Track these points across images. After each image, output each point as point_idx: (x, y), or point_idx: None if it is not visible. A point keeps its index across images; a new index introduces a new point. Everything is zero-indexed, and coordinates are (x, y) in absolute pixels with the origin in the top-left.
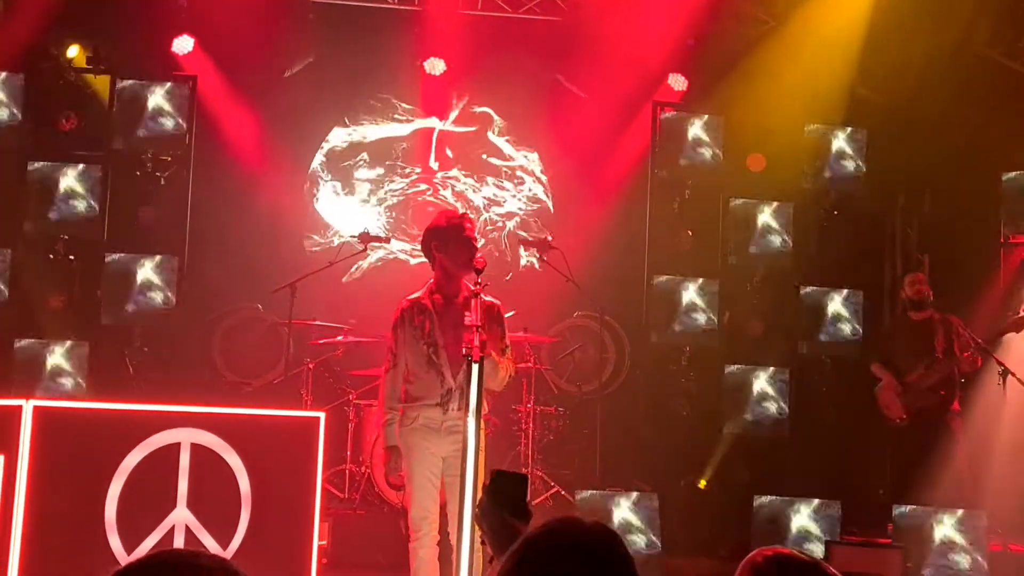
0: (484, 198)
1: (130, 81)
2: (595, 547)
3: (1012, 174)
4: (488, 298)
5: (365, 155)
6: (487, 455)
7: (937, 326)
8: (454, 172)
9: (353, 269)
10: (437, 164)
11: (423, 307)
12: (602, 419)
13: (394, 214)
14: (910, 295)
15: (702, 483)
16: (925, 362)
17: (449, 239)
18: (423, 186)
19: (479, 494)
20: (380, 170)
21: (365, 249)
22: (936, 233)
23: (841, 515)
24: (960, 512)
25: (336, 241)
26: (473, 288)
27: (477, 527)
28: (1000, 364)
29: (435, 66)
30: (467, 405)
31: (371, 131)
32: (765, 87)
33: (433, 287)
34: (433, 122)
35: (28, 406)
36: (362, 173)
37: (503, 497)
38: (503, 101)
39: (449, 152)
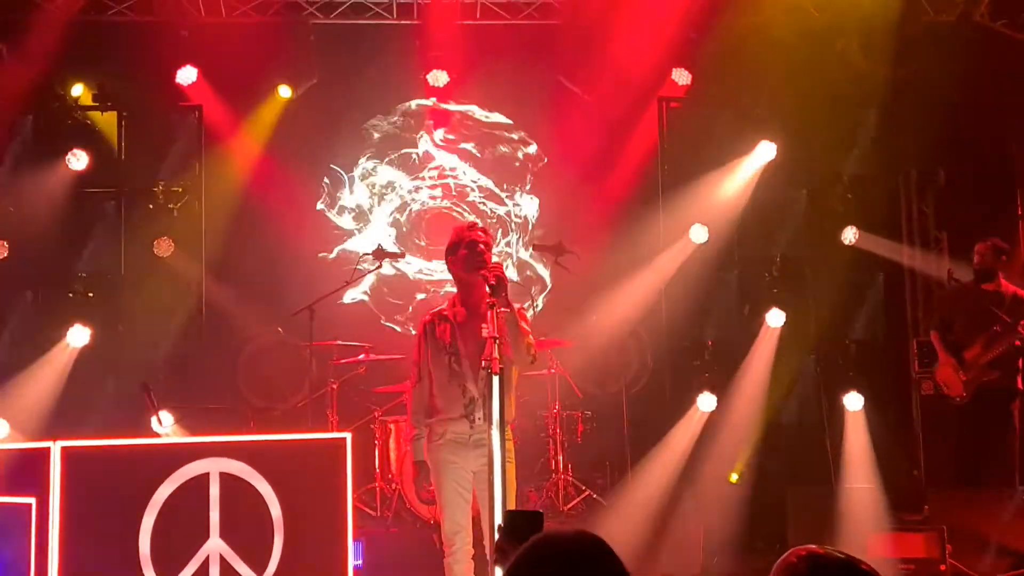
0: (504, 210)
1: (137, 115)
2: (578, 554)
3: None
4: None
5: (375, 171)
6: (515, 466)
7: (1003, 298)
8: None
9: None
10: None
11: (444, 318)
12: (629, 420)
13: (406, 229)
14: (974, 264)
15: (733, 477)
16: (984, 335)
17: (458, 247)
18: (440, 201)
19: (506, 506)
20: (393, 184)
21: (380, 265)
22: (952, 209)
23: (882, 499)
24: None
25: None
26: (488, 300)
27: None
28: None
29: (438, 78)
30: (490, 419)
31: (379, 147)
32: (772, 73)
33: (455, 299)
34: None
35: (56, 447)
36: (374, 188)
37: (520, 537)
38: (507, 107)
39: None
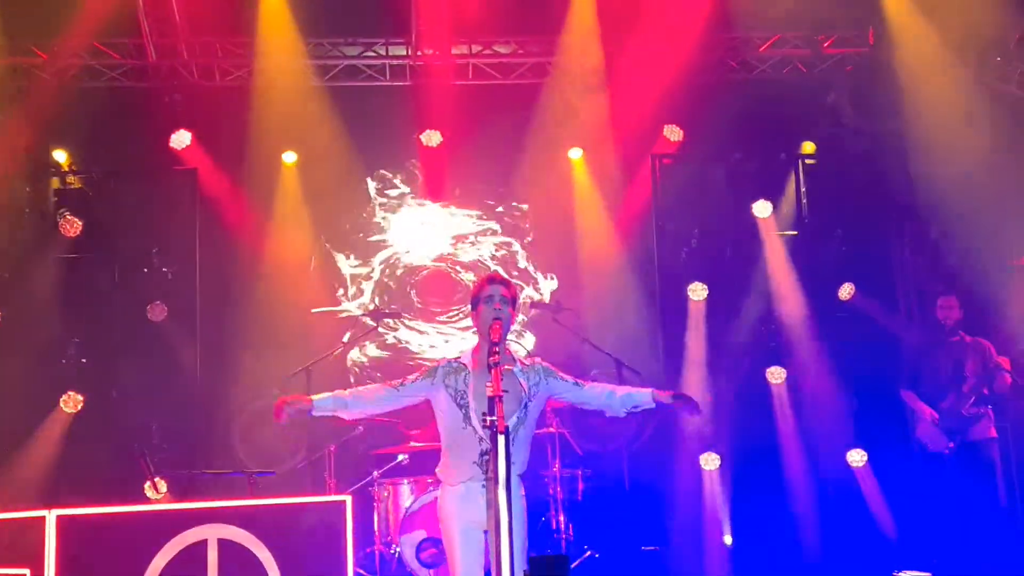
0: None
1: (132, 179)
2: None
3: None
4: (526, 358)
5: (370, 229)
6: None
7: (968, 350)
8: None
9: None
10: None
11: (461, 367)
12: (631, 477)
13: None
14: (940, 318)
15: (727, 538)
16: (956, 387)
17: (477, 301)
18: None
19: (515, 564)
20: (386, 242)
21: (377, 327)
22: (946, 260)
23: None
24: None
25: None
26: (491, 358)
27: None
28: None
29: (431, 138)
30: (497, 479)
31: (375, 209)
32: (758, 128)
33: (476, 350)
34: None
35: (51, 516)
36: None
37: None
38: (502, 166)
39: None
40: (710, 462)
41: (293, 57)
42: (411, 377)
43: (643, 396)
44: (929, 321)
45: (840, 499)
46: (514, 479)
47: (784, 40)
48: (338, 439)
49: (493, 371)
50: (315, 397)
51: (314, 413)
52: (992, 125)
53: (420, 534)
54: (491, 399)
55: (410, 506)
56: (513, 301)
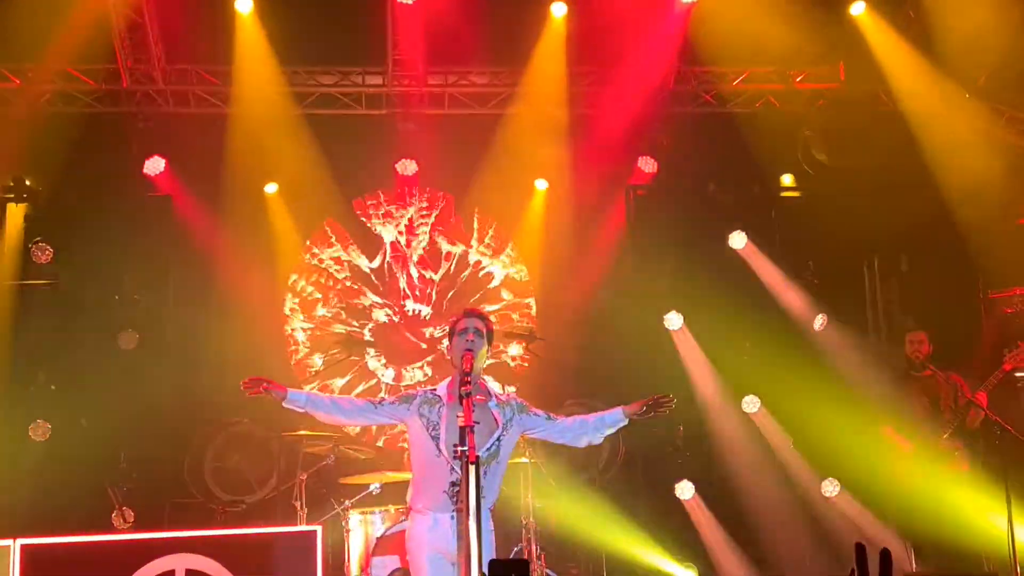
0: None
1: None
2: None
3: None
4: (503, 393)
5: (346, 261)
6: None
7: (940, 384)
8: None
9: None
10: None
11: (436, 399)
12: (604, 506)
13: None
14: (909, 354)
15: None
16: (932, 421)
17: (453, 332)
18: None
19: None
20: (359, 269)
21: (349, 355)
22: (916, 292)
23: None
24: None
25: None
26: (462, 389)
27: None
28: (998, 422)
29: (407, 167)
30: (467, 509)
31: (346, 238)
32: (732, 161)
33: (451, 383)
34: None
35: (15, 546)
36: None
37: None
38: (477, 195)
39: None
40: (685, 491)
41: (269, 85)
42: (389, 398)
43: (614, 416)
44: (899, 355)
45: (814, 527)
46: (486, 512)
47: (756, 75)
48: (308, 468)
49: (464, 401)
50: (292, 390)
51: (285, 404)
52: (968, 160)
53: (390, 564)
54: (462, 429)
55: (381, 536)
56: (488, 335)
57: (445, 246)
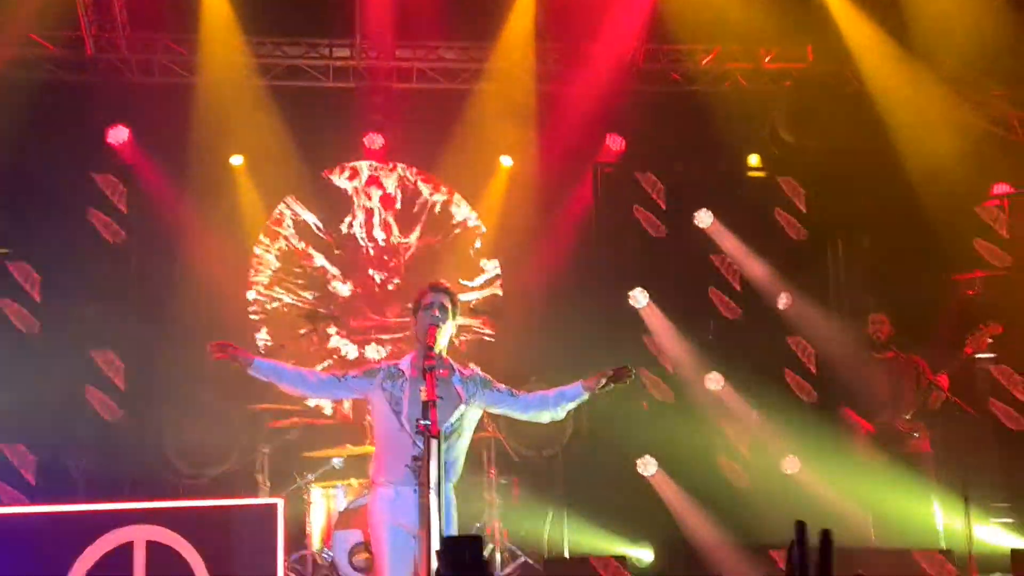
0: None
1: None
2: None
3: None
4: (465, 367)
5: (310, 233)
6: (459, 527)
7: (902, 365)
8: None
9: None
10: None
11: (400, 373)
12: (566, 483)
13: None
14: (870, 333)
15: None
16: (893, 403)
17: (417, 307)
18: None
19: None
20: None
21: (314, 329)
22: (878, 273)
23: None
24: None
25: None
26: (425, 363)
27: None
28: (958, 404)
29: (374, 141)
30: (428, 482)
31: (318, 209)
32: (699, 139)
33: (415, 357)
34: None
35: None
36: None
37: (459, 563)
38: (444, 170)
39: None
40: (647, 467)
41: (235, 55)
42: (353, 372)
43: (574, 390)
44: (861, 335)
45: (772, 504)
46: (448, 488)
47: (725, 53)
48: (272, 441)
49: (427, 375)
50: (259, 358)
51: (250, 371)
52: (933, 142)
53: (352, 538)
54: (425, 403)
55: (343, 510)
56: (454, 310)
57: (425, 191)
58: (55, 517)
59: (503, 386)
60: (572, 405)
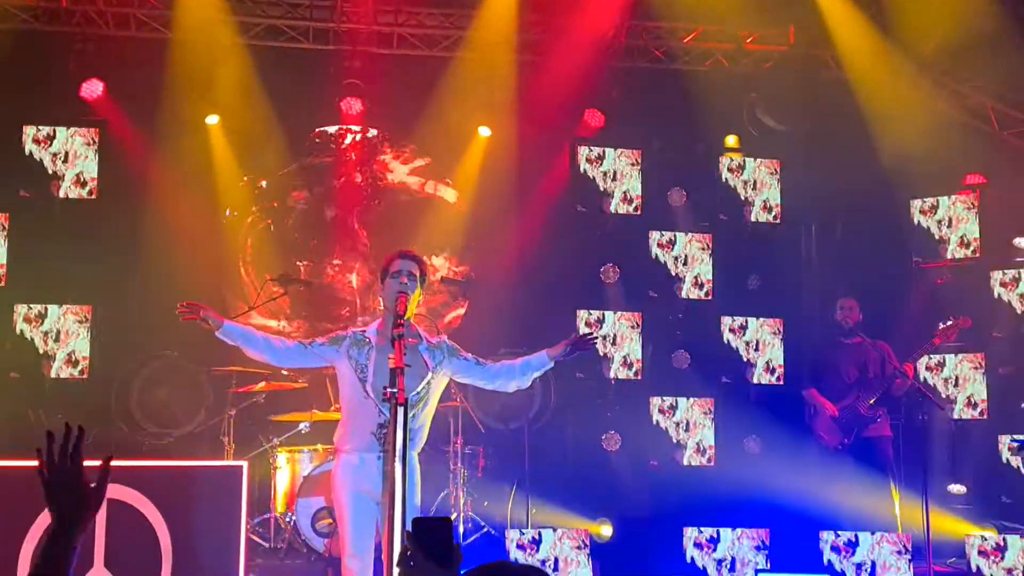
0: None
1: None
2: None
3: (922, 201)
4: (432, 336)
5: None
6: (422, 495)
7: (869, 350)
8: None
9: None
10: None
11: (366, 340)
12: (531, 456)
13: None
14: (839, 320)
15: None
16: (858, 387)
17: (385, 274)
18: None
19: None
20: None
21: (285, 292)
22: (849, 260)
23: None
24: (888, 536)
25: None
26: (394, 330)
27: None
28: (922, 391)
29: (352, 106)
30: (394, 450)
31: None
32: (678, 118)
33: (380, 324)
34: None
35: None
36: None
37: (428, 545)
38: (421, 139)
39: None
40: (612, 442)
41: (214, 12)
42: (319, 340)
43: (539, 359)
44: (829, 321)
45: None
46: (412, 456)
47: (708, 33)
48: (237, 404)
49: (396, 343)
50: (228, 321)
51: (219, 334)
52: (909, 130)
53: (316, 503)
54: (393, 370)
55: (307, 475)
56: (422, 278)
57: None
58: (18, 472)
59: (469, 355)
60: (538, 373)
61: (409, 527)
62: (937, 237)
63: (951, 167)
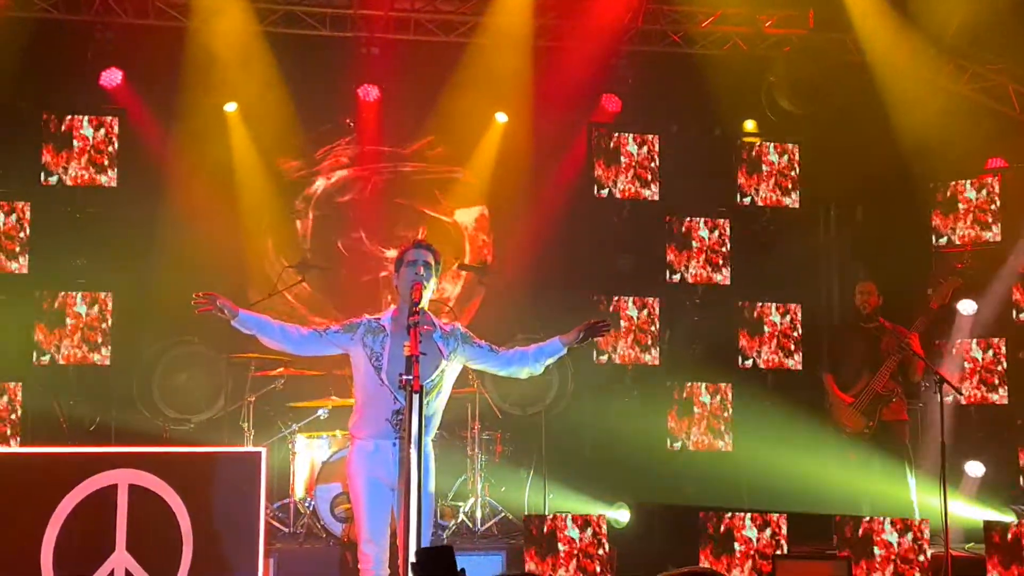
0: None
1: (60, 116)
2: None
3: (942, 185)
4: (446, 323)
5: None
6: (437, 481)
7: (885, 334)
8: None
9: None
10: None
11: (381, 328)
12: (548, 441)
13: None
14: (858, 304)
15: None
16: (873, 370)
17: (400, 263)
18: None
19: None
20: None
21: (303, 279)
22: (869, 244)
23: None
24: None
25: None
26: (410, 318)
27: None
28: (937, 373)
29: (369, 92)
30: (410, 437)
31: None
32: (695, 103)
33: (395, 312)
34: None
35: None
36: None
37: (433, 572)
38: (438, 125)
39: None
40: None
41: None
42: (334, 327)
43: (552, 345)
44: (848, 305)
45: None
46: (426, 442)
47: (726, 17)
48: (257, 390)
49: (412, 331)
50: (244, 311)
51: (235, 323)
52: (930, 114)
53: (335, 488)
54: (408, 358)
55: (325, 461)
56: (437, 267)
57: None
58: (42, 458)
59: (483, 342)
60: (551, 360)
61: (413, 558)
62: (958, 221)
63: (972, 150)
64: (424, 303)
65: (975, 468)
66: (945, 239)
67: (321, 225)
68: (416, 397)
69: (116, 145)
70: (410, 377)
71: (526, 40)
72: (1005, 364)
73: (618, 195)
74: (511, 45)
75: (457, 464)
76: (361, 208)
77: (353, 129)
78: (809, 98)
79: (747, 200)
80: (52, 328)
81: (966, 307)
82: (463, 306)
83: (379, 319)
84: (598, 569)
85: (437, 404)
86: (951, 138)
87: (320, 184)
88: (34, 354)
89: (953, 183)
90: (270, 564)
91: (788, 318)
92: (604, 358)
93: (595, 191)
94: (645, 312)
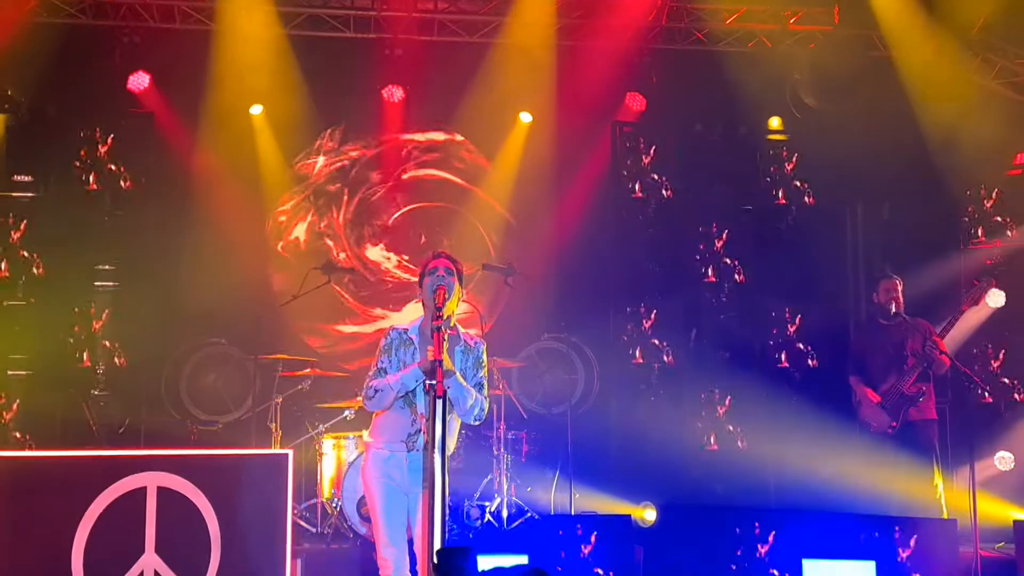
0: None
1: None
2: None
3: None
4: (470, 332)
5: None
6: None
7: (909, 331)
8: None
9: None
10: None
11: (409, 340)
12: (574, 441)
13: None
14: (883, 302)
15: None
16: (898, 367)
17: (423, 275)
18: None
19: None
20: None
21: (329, 280)
22: (896, 242)
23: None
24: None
25: None
26: (434, 323)
27: None
28: (962, 369)
29: (394, 94)
30: (433, 443)
31: (337, 159)
32: (720, 101)
33: (424, 324)
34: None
35: None
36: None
37: (452, 573)
38: (462, 126)
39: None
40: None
41: (256, 3)
42: (381, 364)
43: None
44: (872, 303)
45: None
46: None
47: (750, 14)
48: (284, 391)
49: (435, 335)
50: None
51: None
52: (957, 110)
53: (361, 489)
54: (432, 363)
55: (353, 461)
56: (459, 277)
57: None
58: (72, 462)
59: (483, 376)
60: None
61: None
62: (986, 217)
63: (1000, 146)
64: (453, 311)
65: (1006, 461)
66: (974, 236)
67: (346, 226)
68: (439, 403)
69: (144, 148)
70: (433, 382)
71: (550, 40)
72: None
73: (643, 194)
74: (535, 45)
75: (483, 464)
76: (385, 208)
77: (378, 130)
78: (835, 95)
79: (772, 199)
80: (82, 330)
81: (995, 299)
82: (493, 311)
83: (406, 329)
84: None
85: (450, 422)
86: (979, 133)
87: (344, 186)
88: (64, 357)
89: (982, 179)
90: (297, 565)
91: (813, 317)
92: (630, 358)
93: (628, 190)
94: (670, 311)
